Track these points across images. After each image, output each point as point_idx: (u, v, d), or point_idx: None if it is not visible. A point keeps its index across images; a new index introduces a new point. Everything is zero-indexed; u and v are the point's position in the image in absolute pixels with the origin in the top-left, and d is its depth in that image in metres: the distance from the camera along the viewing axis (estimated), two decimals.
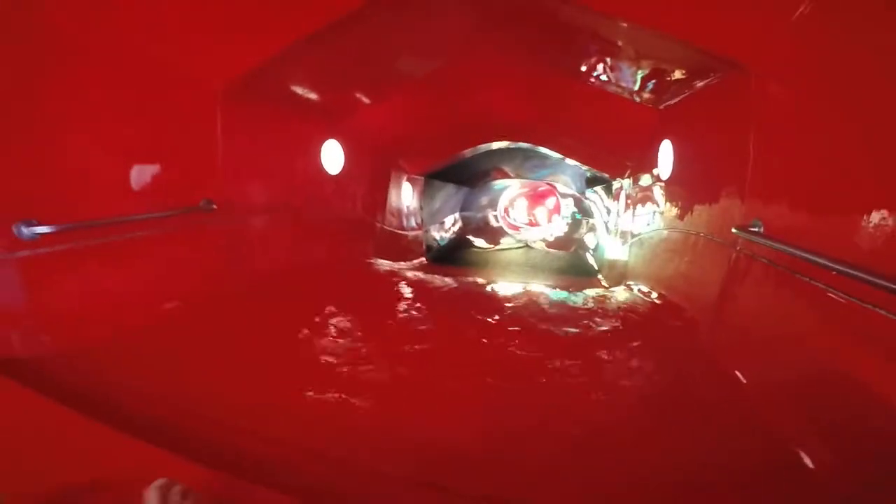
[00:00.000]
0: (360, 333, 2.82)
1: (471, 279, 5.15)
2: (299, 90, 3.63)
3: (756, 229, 2.16)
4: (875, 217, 1.44)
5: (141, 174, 2.43)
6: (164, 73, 2.52)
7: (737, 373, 2.16)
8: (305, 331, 2.79)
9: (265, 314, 2.88)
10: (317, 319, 2.97)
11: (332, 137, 4.34)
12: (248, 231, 3.30)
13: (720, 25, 2.22)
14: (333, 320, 2.98)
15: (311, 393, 2.10)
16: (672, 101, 3.46)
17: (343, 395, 2.10)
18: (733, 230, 2.25)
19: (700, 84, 2.90)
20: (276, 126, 3.62)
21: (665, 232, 3.75)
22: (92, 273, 2.20)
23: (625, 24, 2.58)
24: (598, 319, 3.46)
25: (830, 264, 1.52)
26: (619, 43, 2.98)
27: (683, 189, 3.40)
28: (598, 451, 1.80)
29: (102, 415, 1.46)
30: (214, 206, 2.78)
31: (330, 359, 2.47)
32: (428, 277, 4.74)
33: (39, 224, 1.94)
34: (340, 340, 2.71)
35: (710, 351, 2.46)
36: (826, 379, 1.63)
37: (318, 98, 3.84)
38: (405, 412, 2.02)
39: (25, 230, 1.91)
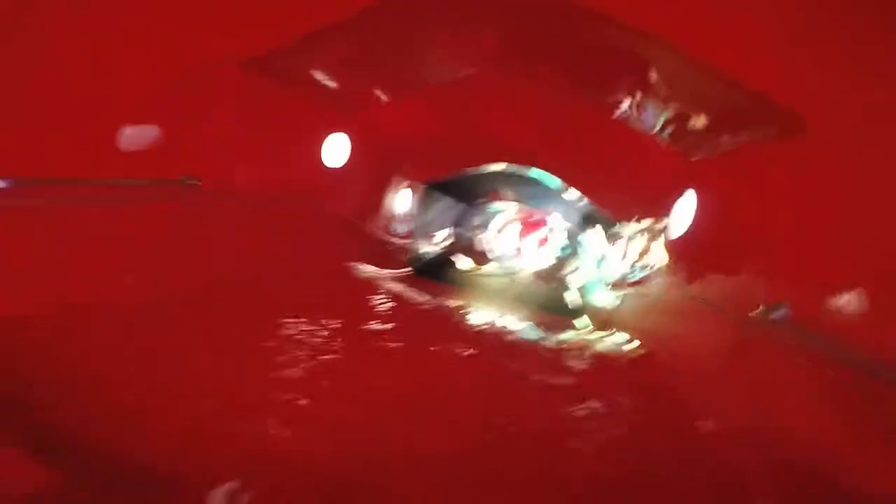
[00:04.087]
0: (330, 342, 2.57)
1: (454, 301, 4.94)
2: (318, 75, 3.40)
3: (781, 312, 2.00)
4: None
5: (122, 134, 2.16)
6: (178, 33, 2.27)
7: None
8: (269, 341, 2.45)
9: (227, 311, 2.57)
10: (282, 321, 2.68)
11: (340, 129, 4.10)
12: (231, 215, 3.02)
13: (783, 68, 1.93)
14: (303, 327, 2.71)
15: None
16: (705, 153, 3.24)
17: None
18: (755, 312, 2.07)
19: (743, 137, 2.68)
20: (284, 109, 3.39)
21: (666, 291, 3.60)
22: (31, 237, 1.91)
23: (669, 52, 2.34)
24: (579, 363, 3.27)
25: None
26: (658, 77, 2.79)
27: (699, 250, 3.23)
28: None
29: None
30: (198, 183, 2.50)
31: (292, 371, 2.21)
32: (409, 291, 4.56)
33: None
34: (305, 349, 2.45)
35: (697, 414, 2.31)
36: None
37: (337, 86, 3.61)
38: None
39: None
